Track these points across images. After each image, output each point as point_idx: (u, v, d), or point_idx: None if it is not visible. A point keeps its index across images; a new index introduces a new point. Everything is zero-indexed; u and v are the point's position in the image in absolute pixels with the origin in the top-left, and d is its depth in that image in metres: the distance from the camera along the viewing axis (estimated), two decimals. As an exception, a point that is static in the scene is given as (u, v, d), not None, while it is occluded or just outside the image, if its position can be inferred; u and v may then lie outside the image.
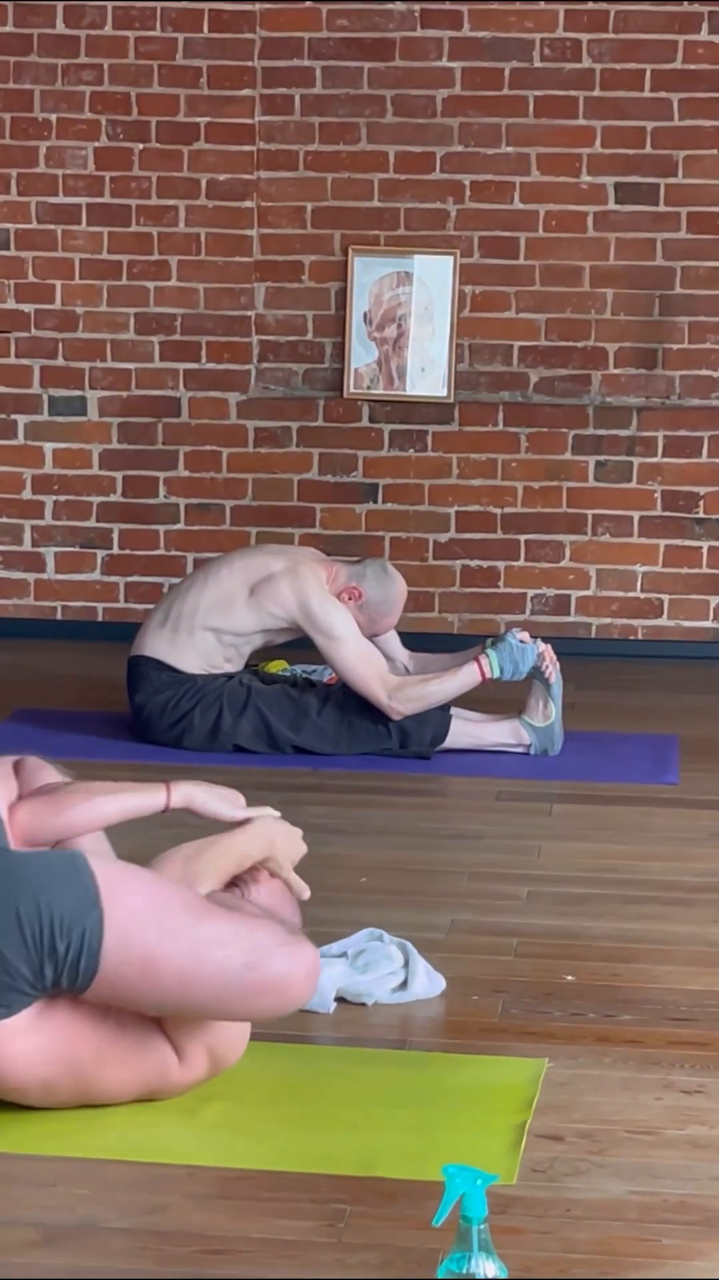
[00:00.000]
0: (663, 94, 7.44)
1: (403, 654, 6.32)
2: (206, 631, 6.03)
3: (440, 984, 4.06)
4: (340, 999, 3.97)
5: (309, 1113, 3.46)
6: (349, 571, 6.09)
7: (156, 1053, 3.37)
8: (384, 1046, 3.80)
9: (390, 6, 7.47)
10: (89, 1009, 3.30)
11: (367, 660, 5.94)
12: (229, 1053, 3.45)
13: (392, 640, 6.30)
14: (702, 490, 7.53)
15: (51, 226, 7.62)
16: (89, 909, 3.22)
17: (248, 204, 7.57)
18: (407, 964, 4.08)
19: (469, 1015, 3.94)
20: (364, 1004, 3.97)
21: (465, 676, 5.96)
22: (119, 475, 7.68)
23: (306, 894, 3.72)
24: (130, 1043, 3.34)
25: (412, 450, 7.59)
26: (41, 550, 7.72)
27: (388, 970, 4.06)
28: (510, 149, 7.51)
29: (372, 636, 6.08)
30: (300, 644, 6.14)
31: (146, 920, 3.26)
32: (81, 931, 3.21)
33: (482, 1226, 2.74)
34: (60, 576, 7.72)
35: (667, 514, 7.54)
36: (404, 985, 4.03)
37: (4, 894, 3.22)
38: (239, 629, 6.02)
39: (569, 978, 4.14)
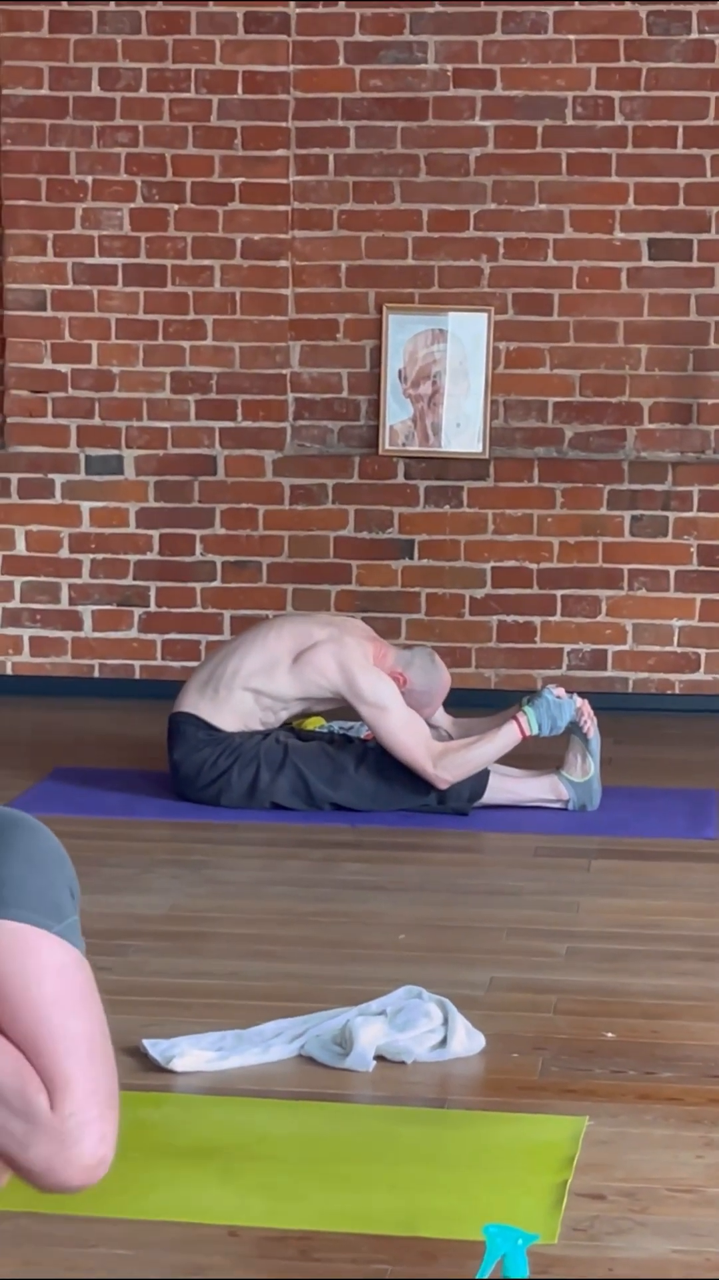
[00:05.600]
0: (695, 150, 7.47)
1: (445, 720, 6.33)
2: (246, 692, 6.03)
3: (480, 1042, 4.05)
4: (379, 1057, 3.96)
5: (349, 1172, 3.45)
6: (396, 656, 6.12)
7: None
8: (424, 1105, 3.79)
9: (423, 66, 7.51)
10: None
11: (412, 730, 5.95)
12: None
13: (437, 711, 6.31)
14: (738, 544, 7.53)
15: (88, 287, 7.66)
16: None
17: (282, 263, 7.61)
18: (446, 1022, 4.07)
19: (509, 1073, 3.93)
20: (403, 1062, 3.96)
21: (506, 736, 5.96)
22: (156, 534, 7.70)
23: None
24: None
25: (447, 506, 7.61)
26: (79, 609, 7.74)
27: (427, 1028, 4.05)
28: (543, 206, 7.54)
29: None
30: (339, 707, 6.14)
31: None
32: None
33: (523, 1287, 2.73)
34: (98, 634, 7.74)
35: (703, 568, 7.53)
36: (443, 1043, 4.03)
37: None
38: (280, 694, 6.03)
39: (609, 1035, 4.13)
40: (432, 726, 6.18)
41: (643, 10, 7.42)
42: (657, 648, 7.57)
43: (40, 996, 3.04)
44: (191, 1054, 3.94)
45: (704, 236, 7.49)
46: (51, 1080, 2.98)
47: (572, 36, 7.45)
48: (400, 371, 7.60)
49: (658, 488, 7.53)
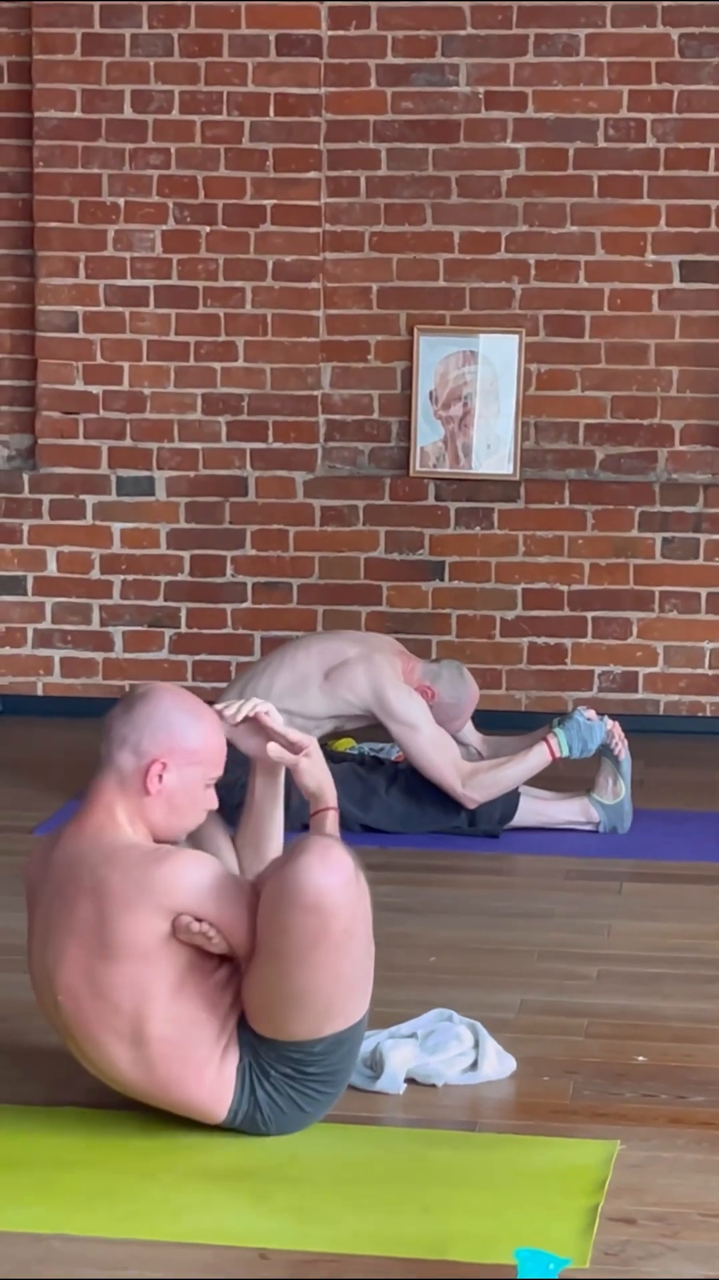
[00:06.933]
0: (727, 172, 7.47)
1: (475, 738, 6.32)
2: (278, 713, 6.02)
3: (511, 1065, 4.04)
4: (410, 1080, 3.96)
5: (380, 1195, 3.44)
6: (424, 670, 6.11)
7: None
8: (454, 1128, 3.78)
9: (454, 89, 7.52)
10: None
11: (441, 748, 5.94)
12: None
13: (465, 725, 6.30)
14: (769, 566, 7.52)
15: (120, 309, 7.68)
16: None
17: (314, 285, 7.62)
18: (476, 1045, 4.06)
19: (540, 1096, 3.92)
20: (434, 1085, 3.95)
21: (536, 758, 5.96)
22: (186, 554, 7.71)
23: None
24: None
25: (478, 528, 7.60)
26: (110, 630, 7.76)
27: (457, 1051, 4.04)
28: (575, 228, 7.54)
29: None
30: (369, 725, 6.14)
31: None
32: None
33: (555, 1311, 2.72)
34: (128, 655, 7.75)
35: (734, 590, 7.52)
36: (474, 1066, 4.02)
37: None
38: (311, 713, 6.02)
39: (641, 1059, 4.11)
40: (461, 744, 6.18)
41: (675, 33, 7.42)
42: (688, 670, 7.56)
43: None
44: (222, 1076, 3.93)
45: (736, 258, 7.49)
46: None
47: (603, 59, 7.45)
48: (431, 393, 7.60)
49: (689, 510, 7.52)
